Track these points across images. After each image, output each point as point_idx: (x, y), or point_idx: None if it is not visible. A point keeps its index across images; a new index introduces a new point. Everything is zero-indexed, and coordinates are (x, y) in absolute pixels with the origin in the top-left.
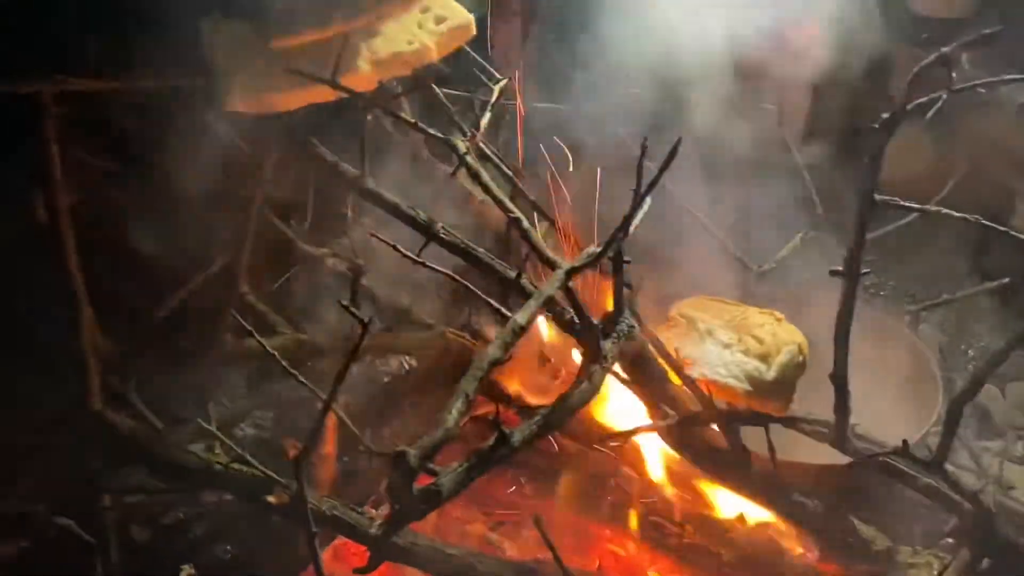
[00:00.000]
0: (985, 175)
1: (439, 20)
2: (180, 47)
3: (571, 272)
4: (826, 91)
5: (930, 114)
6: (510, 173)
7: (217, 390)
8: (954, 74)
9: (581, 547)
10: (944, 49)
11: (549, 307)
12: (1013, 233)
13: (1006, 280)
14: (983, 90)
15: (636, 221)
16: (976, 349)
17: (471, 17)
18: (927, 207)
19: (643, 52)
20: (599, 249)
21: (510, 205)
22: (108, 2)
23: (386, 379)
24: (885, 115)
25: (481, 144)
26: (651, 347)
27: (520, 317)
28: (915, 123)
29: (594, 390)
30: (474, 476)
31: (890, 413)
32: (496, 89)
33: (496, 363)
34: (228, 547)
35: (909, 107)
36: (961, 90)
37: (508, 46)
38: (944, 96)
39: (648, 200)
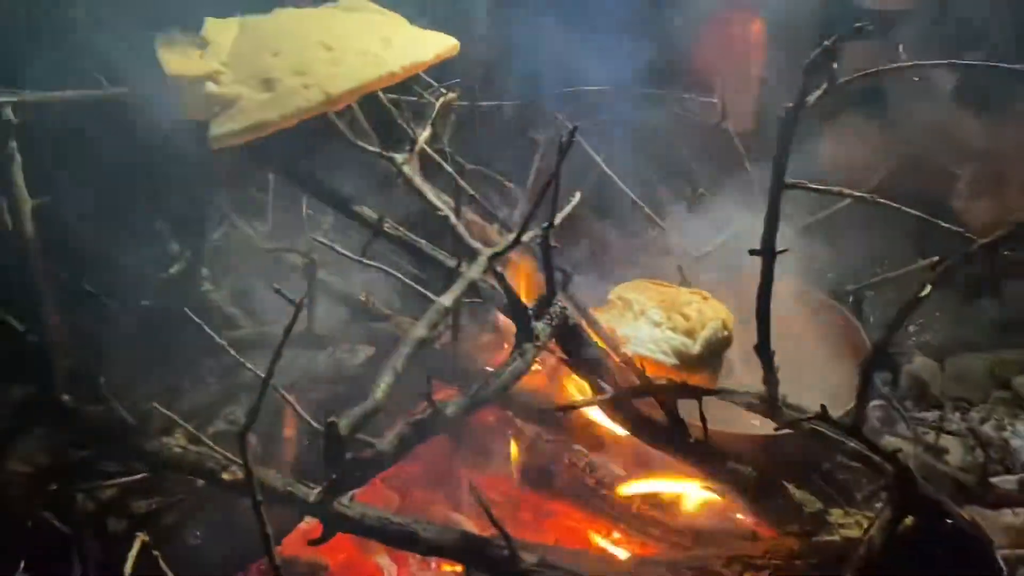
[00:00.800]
0: (926, 159)
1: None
2: (135, 59)
3: (493, 257)
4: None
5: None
6: (454, 172)
7: (189, 387)
8: (835, 65)
9: (538, 523)
10: (826, 43)
11: (476, 291)
12: (908, 210)
13: (936, 259)
14: (917, 78)
15: (565, 212)
16: (916, 325)
17: (454, 43)
18: (831, 188)
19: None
20: (515, 235)
21: (438, 203)
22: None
23: (351, 370)
24: (788, 105)
25: (424, 147)
26: (587, 327)
27: (445, 299)
28: (859, 112)
29: (525, 367)
30: (409, 446)
31: (827, 386)
32: (438, 104)
33: (423, 342)
34: (197, 533)
35: (809, 98)
36: (848, 81)
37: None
38: (824, 87)
39: (578, 194)
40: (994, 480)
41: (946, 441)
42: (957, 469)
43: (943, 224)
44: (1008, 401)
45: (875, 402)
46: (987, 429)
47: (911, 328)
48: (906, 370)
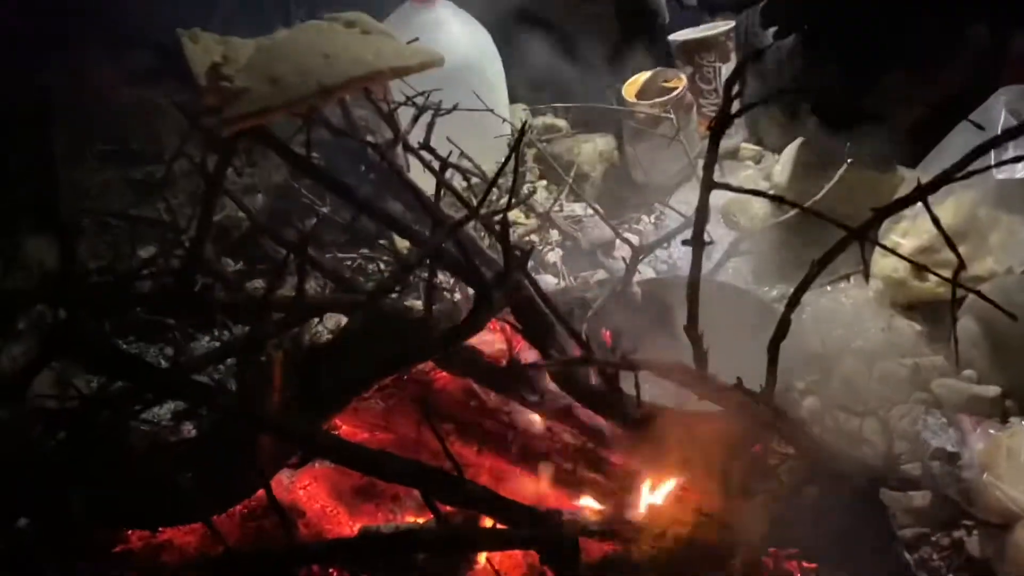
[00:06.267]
0: None
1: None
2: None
3: (454, 225)
4: None
5: None
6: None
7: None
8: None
9: (496, 483)
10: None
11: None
12: (804, 208)
13: None
14: None
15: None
16: (850, 333)
17: (440, 56)
18: (747, 189)
19: None
20: (474, 207)
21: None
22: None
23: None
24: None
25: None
26: (539, 301)
27: (412, 256)
28: None
29: (479, 327)
30: (377, 375)
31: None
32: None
33: (386, 290)
34: (190, 475)
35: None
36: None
37: None
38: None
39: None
40: (905, 467)
41: (869, 435)
42: (871, 456)
43: (824, 216)
44: (926, 402)
45: (808, 398)
46: (903, 424)
47: (846, 335)
48: (837, 372)
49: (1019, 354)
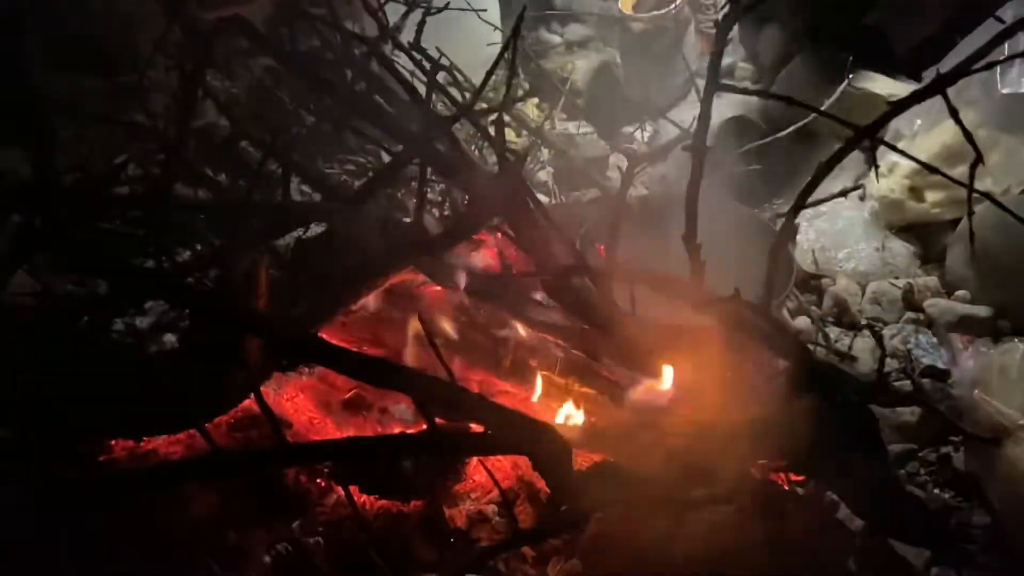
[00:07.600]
0: None
1: None
2: None
3: (445, 120)
4: None
5: None
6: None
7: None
8: None
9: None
10: None
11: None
12: (810, 108)
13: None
14: None
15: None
16: (844, 254)
17: None
18: (753, 90)
19: None
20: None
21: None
22: None
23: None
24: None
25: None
26: (535, 210)
27: (402, 154)
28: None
29: (473, 230)
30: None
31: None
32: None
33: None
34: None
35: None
36: None
37: None
38: None
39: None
40: (895, 384)
41: (859, 353)
42: (862, 373)
43: (835, 117)
44: (918, 322)
45: (800, 317)
46: (895, 343)
47: (840, 255)
48: (830, 291)
49: (1012, 274)
